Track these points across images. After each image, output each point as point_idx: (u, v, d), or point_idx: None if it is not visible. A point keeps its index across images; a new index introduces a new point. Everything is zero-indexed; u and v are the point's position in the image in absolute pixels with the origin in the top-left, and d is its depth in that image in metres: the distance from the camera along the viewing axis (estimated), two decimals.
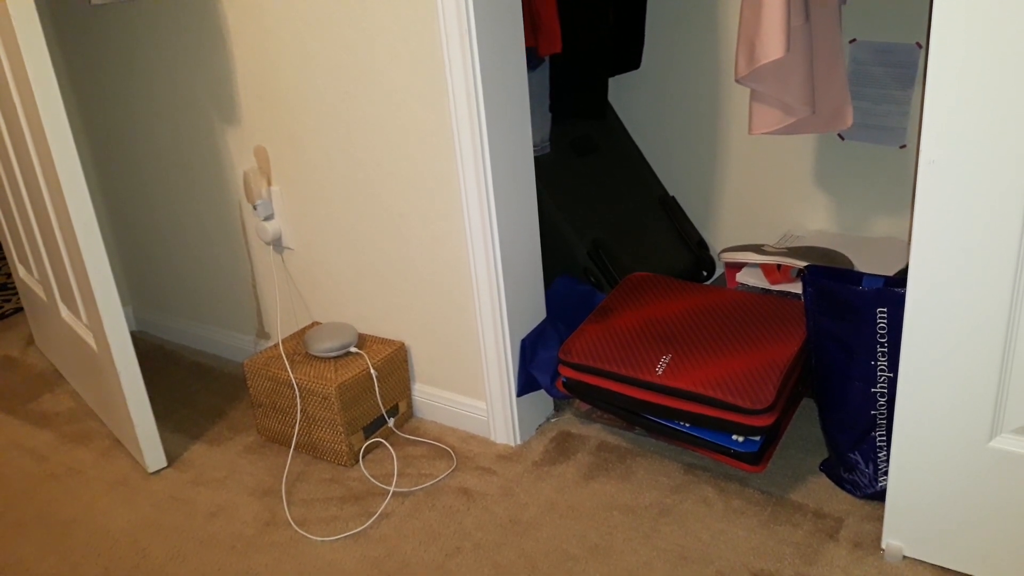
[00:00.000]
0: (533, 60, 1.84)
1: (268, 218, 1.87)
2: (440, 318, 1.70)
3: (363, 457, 1.69)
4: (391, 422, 1.77)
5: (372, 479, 1.63)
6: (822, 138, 2.02)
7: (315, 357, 1.74)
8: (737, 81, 1.60)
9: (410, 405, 1.83)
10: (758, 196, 2.16)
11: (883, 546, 1.32)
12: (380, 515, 1.52)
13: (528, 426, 1.72)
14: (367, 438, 1.71)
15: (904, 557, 1.30)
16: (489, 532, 1.45)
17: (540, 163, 1.97)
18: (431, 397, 1.80)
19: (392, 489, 1.59)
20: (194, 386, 2.07)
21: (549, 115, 1.99)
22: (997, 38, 0.99)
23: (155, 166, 2.08)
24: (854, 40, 1.89)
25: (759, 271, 1.87)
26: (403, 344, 1.77)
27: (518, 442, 1.69)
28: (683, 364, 1.50)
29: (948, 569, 1.27)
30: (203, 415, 1.93)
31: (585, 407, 1.79)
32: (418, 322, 1.74)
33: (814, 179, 2.06)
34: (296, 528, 1.51)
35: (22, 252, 2.07)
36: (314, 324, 1.91)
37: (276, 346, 1.81)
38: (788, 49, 1.51)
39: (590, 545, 1.40)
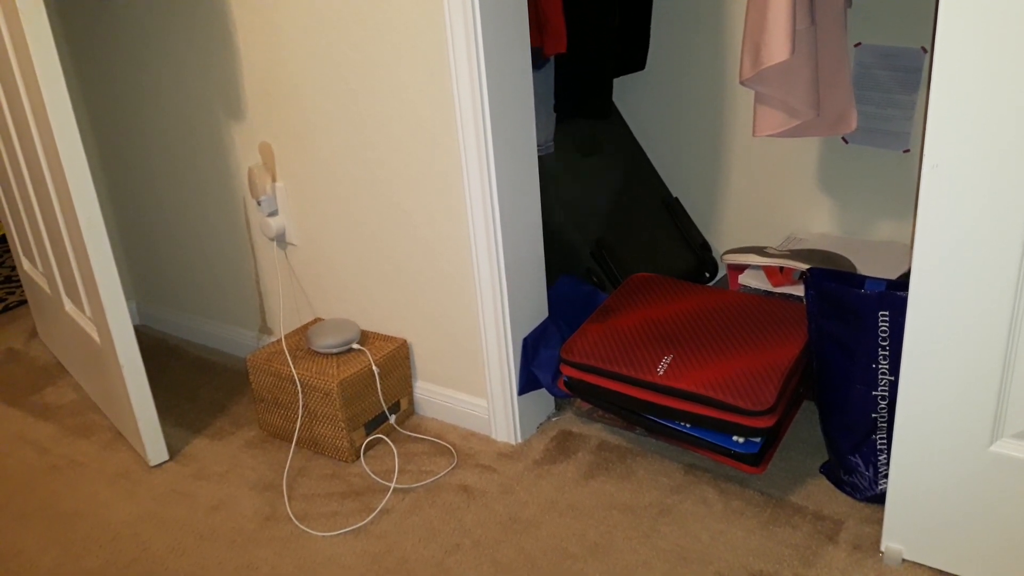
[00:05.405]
0: (538, 59, 1.84)
1: (272, 214, 1.87)
2: (443, 315, 1.70)
3: (364, 453, 1.70)
4: (392, 419, 1.77)
5: (373, 475, 1.63)
6: (826, 141, 2.02)
7: (317, 353, 1.74)
8: (742, 83, 1.60)
9: (411, 402, 1.83)
10: (761, 198, 2.16)
11: (882, 549, 1.32)
12: (380, 511, 1.53)
13: (529, 424, 1.72)
14: (368, 434, 1.72)
15: (903, 560, 1.30)
16: (489, 530, 1.46)
17: (544, 163, 1.97)
18: (433, 394, 1.80)
19: (392, 485, 1.59)
20: (196, 380, 2.07)
21: (553, 115, 1.99)
22: (1002, 43, 0.99)
23: (160, 161, 2.09)
24: (859, 44, 1.89)
25: (761, 273, 1.87)
26: (405, 341, 1.78)
27: (519, 440, 1.70)
28: (684, 365, 1.50)
29: (947, 572, 1.28)
30: (205, 409, 1.93)
31: (586, 406, 1.79)
32: (421, 319, 1.74)
33: (817, 182, 2.06)
34: (296, 523, 1.51)
35: (27, 245, 2.07)
36: (317, 320, 1.92)
37: (279, 341, 1.81)
38: (793, 52, 1.51)
39: (589, 544, 1.40)
